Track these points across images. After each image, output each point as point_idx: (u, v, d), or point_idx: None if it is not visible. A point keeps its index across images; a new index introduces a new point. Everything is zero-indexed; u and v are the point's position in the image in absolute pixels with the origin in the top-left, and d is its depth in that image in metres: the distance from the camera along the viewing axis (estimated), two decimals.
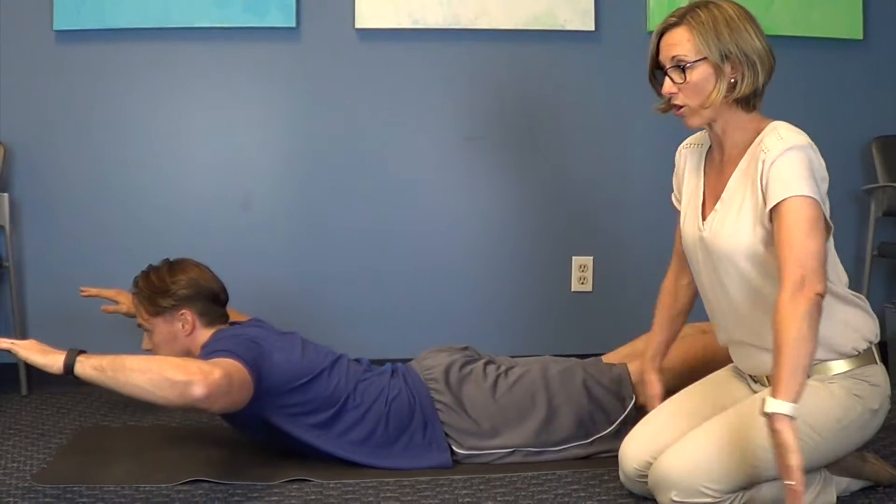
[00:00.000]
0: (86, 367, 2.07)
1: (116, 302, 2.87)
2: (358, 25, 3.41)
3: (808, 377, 2.05)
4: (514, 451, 2.49)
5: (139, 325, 2.61)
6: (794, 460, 1.77)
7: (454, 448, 2.49)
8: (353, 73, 3.46)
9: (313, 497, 2.25)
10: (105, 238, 3.39)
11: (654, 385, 2.38)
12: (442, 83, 3.50)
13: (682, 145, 2.31)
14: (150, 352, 2.58)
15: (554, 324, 3.57)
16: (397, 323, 3.49)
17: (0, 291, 3.39)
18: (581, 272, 3.55)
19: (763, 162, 1.97)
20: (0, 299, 3.39)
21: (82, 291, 2.92)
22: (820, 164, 1.99)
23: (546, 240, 3.55)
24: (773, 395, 1.81)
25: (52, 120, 3.36)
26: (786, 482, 1.79)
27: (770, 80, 2.08)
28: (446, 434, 2.49)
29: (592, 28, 3.49)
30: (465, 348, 2.69)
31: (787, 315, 1.85)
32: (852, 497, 2.19)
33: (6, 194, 3.27)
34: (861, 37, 3.60)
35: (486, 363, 2.61)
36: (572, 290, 3.57)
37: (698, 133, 2.27)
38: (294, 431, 2.42)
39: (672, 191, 2.33)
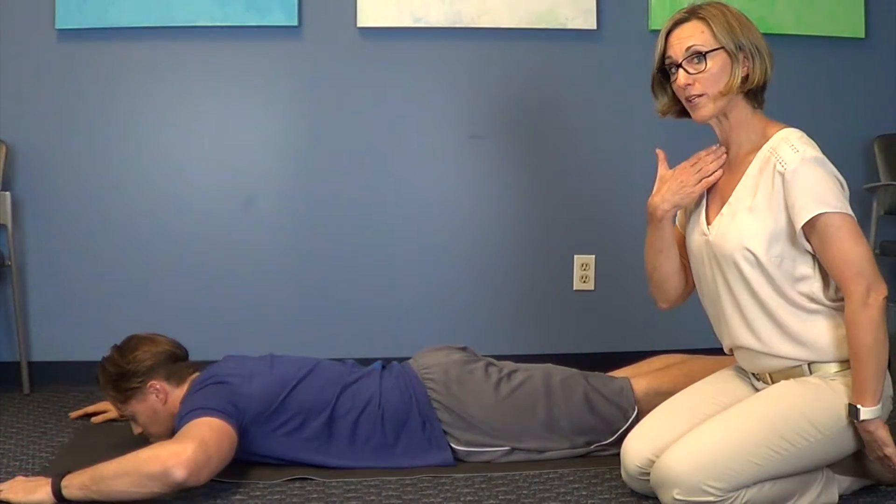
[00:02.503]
0: (72, 490, 2.11)
1: (104, 411, 2.88)
2: (360, 24, 3.41)
3: (811, 374, 2.07)
4: (514, 450, 2.49)
5: (122, 418, 2.61)
6: (891, 451, 2.02)
7: (453, 445, 2.48)
8: (356, 71, 3.46)
9: (315, 496, 2.25)
10: (107, 236, 3.39)
11: None
12: (444, 82, 3.50)
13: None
14: (142, 436, 2.55)
15: (556, 322, 3.57)
16: (399, 321, 3.49)
17: (2, 290, 3.39)
18: (583, 271, 3.55)
19: (782, 175, 2.02)
20: (2, 298, 3.40)
21: (70, 416, 2.94)
22: (837, 174, 2.04)
23: (548, 238, 3.55)
24: (861, 402, 1.99)
25: (54, 119, 3.36)
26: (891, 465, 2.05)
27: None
28: (445, 432, 2.49)
29: (594, 27, 3.48)
30: (464, 348, 2.68)
31: (861, 324, 1.98)
32: (854, 496, 2.19)
33: (8, 193, 3.27)
34: (863, 35, 3.59)
35: (488, 365, 2.60)
36: (574, 288, 3.57)
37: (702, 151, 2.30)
38: (292, 454, 2.42)
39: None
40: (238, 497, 2.23)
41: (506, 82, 3.51)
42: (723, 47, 2.06)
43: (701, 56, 2.06)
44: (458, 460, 2.48)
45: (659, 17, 3.41)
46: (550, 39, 3.49)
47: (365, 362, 2.68)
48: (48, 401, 3.16)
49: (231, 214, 3.44)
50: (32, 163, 3.36)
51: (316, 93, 3.46)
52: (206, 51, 3.40)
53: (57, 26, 3.31)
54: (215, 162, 3.45)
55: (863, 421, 1.99)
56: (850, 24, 3.58)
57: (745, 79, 2.07)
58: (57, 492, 2.10)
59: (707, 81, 2.07)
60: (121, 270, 3.40)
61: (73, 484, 2.11)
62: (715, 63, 2.06)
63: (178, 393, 2.50)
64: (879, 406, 1.99)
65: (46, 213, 3.38)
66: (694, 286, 2.32)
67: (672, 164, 2.30)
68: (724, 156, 2.19)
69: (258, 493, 2.26)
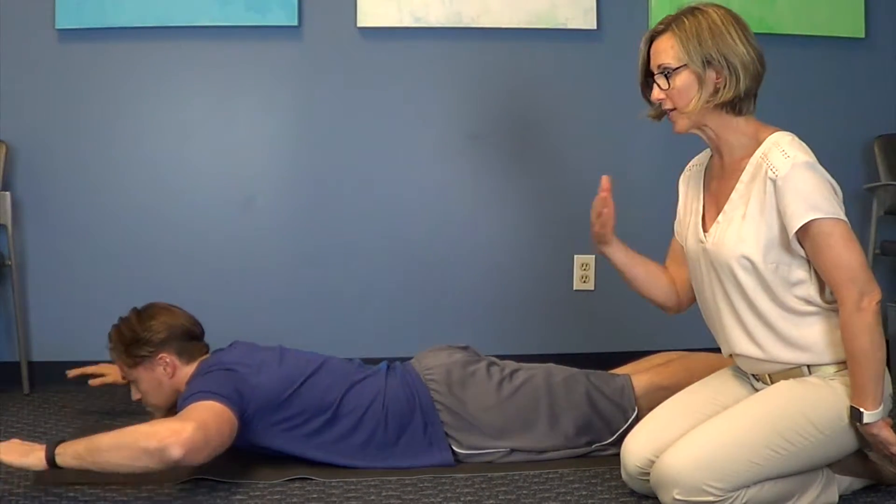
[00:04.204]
0: (66, 458, 2.11)
1: (102, 374, 2.88)
2: (360, 24, 3.41)
3: (810, 375, 2.07)
4: (514, 451, 2.49)
5: (124, 380, 2.61)
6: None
7: (455, 448, 2.48)
8: (355, 71, 3.46)
9: (315, 496, 2.25)
10: (107, 236, 3.39)
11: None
12: (444, 82, 3.50)
13: (683, 172, 2.34)
14: (140, 403, 2.57)
15: (556, 323, 3.57)
16: (399, 322, 3.49)
17: (2, 290, 3.39)
18: (583, 271, 3.55)
19: (773, 182, 2.01)
20: (2, 298, 3.40)
21: (68, 374, 2.94)
22: (830, 178, 2.03)
23: (548, 238, 3.55)
24: (862, 405, 1.99)
25: (54, 119, 3.36)
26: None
27: (759, 86, 2.10)
28: (447, 434, 2.49)
29: (594, 27, 3.49)
30: (466, 348, 2.68)
31: (856, 330, 1.98)
32: (854, 496, 2.19)
33: (8, 193, 3.27)
34: (863, 35, 3.59)
35: (489, 364, 2.60)
36: (574, 288, 3.57)
37: (698, 155, 2.31)
38: (293, 448, 2.42)
39: (675, 218, 2.36)
40: (238, 497, 2.23)
41: (506, 82, 3.51)
42: (686, 65, 2.04)
43: (668, 73, 2.07)
44: (457, 461, 2.48)
45: (659, 17, 3.35)
46: (550, 39, 3.49)
47: (365, 361, 2.68)
48: (48, 401, 3.16)
49: (232, 214, 3.44)
50: (32, 163, 3.36)
51: (316, 93, 3.46)
52: (206, 51, 3.40)
53: (57, 26, 3.31)
54: (216, 161, 3.45)
55: (866, 424, 1.99)
56: (850, 24, 3.58)
57: (717, 92, 2.05)
58: (50, 458, 2.10)
59: (675, 97, 2.08)
60: (121, 270, 3.40)
61: (68, 452, 2.10)
62: (680, 80, 2.06)
63: (186, 370, 2.51)
64: (881, 408, 2.00)
65: (46, 213, 3.38)
66: (684, 287, 2.34)
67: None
68: (605, 195, 2.24)
69: (258, 493, 2.26)
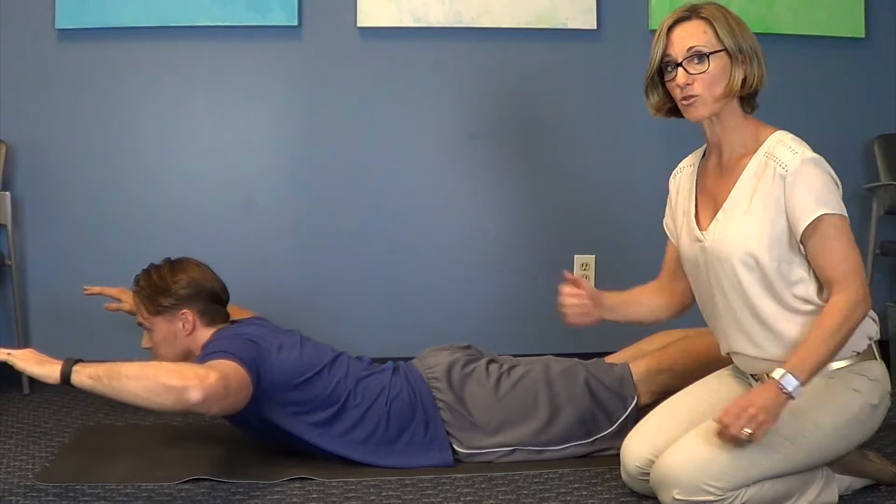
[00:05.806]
0: (82, 376, 2.08)
1: (119, 300, 2.87)
2: (360, 24, 3.42)
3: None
4: (514, 450, 2.49)
5: (139, 324, 2.61)
6: (752, 412, 1.93)
7: (455, 447, 2.49)
8: (356, 71, 3.46)
9: (315, 496, 2.25)
10: (107, 236, 3.39)
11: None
12: (444, 82, 3.50)
13: (673, 173, 2.34)
14: (149, 350, 2.58)
15: (556, 322, 3.54)
16: (399, 321, 3.49)
17: (2, 290, 3.39)
18: (583, 271, 3.55)
19: (783, 177, 2.01)
20: (2, 298, 3.40)
21: (85, 290, 2.92)
22: (833, 174, 2.04)
23: (548, 238, 3.55)
24: (801, 375, 1.94)
25: (54, 118, 3.36)
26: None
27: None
28: (448, 433, 2.49)
29: (594, 27, 3.49)
30: (467, 347, 2.69)
31: (847, 315, 1.97)
32: (854, 496, 2.19)
33: (8, 193, 3.27)
34: (863, 35, 3.59)
35: (489, 362, 2.61)
36: None
37: (686, 158, 2.31)
38: (294, 430, 2.42)
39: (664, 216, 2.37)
40: (238, 497, 2.23)
41: (506, 82, 3.51)
42: (725, 49, 2.05)
43: (702, 57, 2.05)
44: (457, 461, 2.48)
45: (659, 17, 3.40)
46: (550, 39, 3.49)
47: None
48: (48, 401, 3.16)
49: (232, 214, 3.44)
50: (32, 162, 3.36)
51: (316, 92, 3.46)
52: (206, 50, 3.41)
53: (57, 26, 3.31)
54: (215, 161, 3.45)
55: (786, 391, 1.94)
56: (850, 24, 3.58)
57: (743, 82, 2.06)
58: (66, 374, 2.08)
59: (706, 82, 2.06)
60: (121, 270, 3.38)
61: (86, 371, 2.08)
62: (716, 65, 2.05)
63: (203, 333, 2.52)
64: (798, 383, 1.95)
65: (46, 213, 3.38)
66: (685, 296, 2.34)
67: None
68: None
69: (258, 493, 2.26)
